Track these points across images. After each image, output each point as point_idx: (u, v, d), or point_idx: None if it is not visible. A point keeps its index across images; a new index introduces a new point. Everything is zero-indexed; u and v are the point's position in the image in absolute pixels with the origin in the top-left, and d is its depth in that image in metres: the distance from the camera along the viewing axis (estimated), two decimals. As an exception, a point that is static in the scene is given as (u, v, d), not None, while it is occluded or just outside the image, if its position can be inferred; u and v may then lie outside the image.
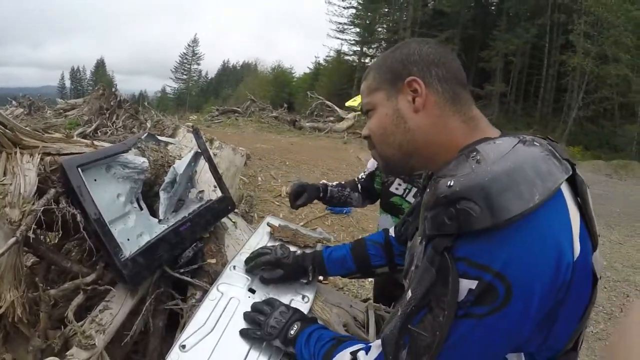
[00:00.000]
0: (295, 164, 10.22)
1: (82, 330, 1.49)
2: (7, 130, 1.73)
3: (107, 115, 10.80)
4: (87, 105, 11.60)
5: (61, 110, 12.33)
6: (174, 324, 1.80)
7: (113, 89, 11.87)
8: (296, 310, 1.49)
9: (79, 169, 1.61)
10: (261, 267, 1.73)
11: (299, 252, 1.79)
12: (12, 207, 1.55)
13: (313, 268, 1.74)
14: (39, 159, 1.73)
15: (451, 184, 0.86)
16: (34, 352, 1.52)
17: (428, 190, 0.99)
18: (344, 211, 7.75)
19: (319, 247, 1.88)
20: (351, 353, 1.14)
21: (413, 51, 1.10)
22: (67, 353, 1.44)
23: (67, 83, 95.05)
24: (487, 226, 0.80)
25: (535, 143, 0.91)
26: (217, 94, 72.28)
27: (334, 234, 6.69)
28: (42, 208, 1.57)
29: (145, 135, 1.97)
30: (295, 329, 1.38)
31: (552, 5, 31.51)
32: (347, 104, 2.24)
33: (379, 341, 1.05)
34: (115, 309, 1.62)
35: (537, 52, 34.57)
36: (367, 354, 1.09)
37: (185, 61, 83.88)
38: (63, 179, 1.64)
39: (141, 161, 1.84)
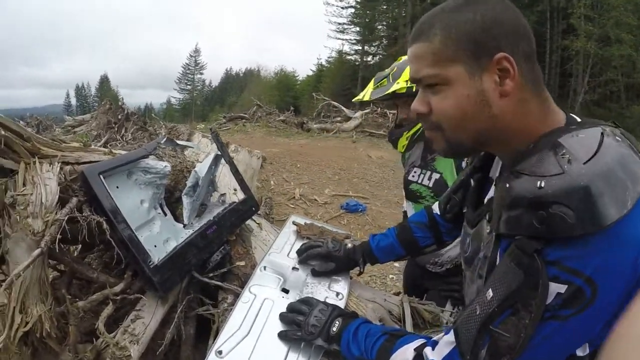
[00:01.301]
0: (306, 166, 10.20)
1: (115, 341, 1.45)
2: (24, 141, 1.70)
3: (116, 128, 10.88)
4: (95, 121, 11.70)
5: (69, 127, 12.44)
6: (203, 330, 1.77)
7: (120, 103, 11.90)
8: (335, 306, 1.45)
9: (101, 176, 1.57)
10: (313, 259, 1.74)
11: (349, 245, 1.79)
12: (35, 218, 1.50)
13: (363, 260, 1.76)
14: (58, 168, 1.69)
15: (542, 185, 0.81)
16: (64, 368, 1.48)
17: (506, 184, 0.89)
18: (359, 209, 7.72)
19: (348, 243, 1.84)
20: (415, 349, 1.08)
21: (499, 17, 0.92)
22: (101, 366, 1.41)
23: (73, 100, 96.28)
24: (582, 233, 0.77)
25: (617, 137, 0.85)
26: (222, 102, 72.57)
27: (351, 233, 6.64)
28: (66, 217, 1.53)
29: (165, 139, 1.93)
30: (337, 325, 1.34)
31: (551, -9, 31.39)
32: (356, 99, 2.19)
33: (447, 337, 1.00)
34: (147, 318, 1.58)
35: (538, 39, 34.21)
36: (433, 349, 1.03)
37: (188, 71, 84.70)
38: (85, 187, 1.60)
39: (163, 166, 1.80)
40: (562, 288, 0.79)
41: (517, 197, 0.84)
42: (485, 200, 1.14)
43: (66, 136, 11.42)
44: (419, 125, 2.06)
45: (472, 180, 1.30)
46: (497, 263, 0.94)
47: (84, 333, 1.63)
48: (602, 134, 0.84)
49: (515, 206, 0.85)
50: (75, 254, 1.85)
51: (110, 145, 9.86)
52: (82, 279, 1.82)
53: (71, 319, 1.56)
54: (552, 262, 0.80)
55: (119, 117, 11.19)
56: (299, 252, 1.79)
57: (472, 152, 1.13)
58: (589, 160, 0.79)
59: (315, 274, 1.73)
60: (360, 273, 1.82)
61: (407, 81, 1.99)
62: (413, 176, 2.27)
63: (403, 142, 2.18)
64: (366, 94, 2.16)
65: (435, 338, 1.08)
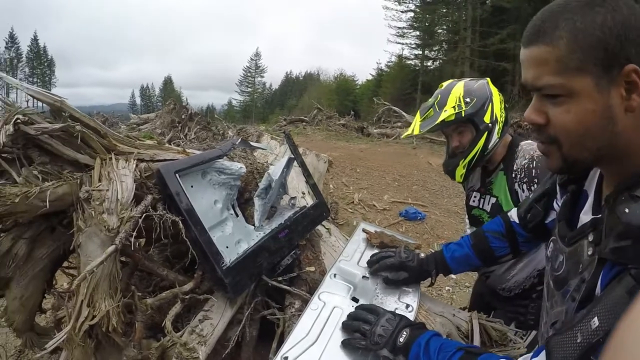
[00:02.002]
0: (366, 171, 10.13)
1: (184, 342, 1.44)
2: (101, 137, 1.73)
3: (180, 127, 11.11)
4: (159, 119, 12.01)
5: (134, 125, 12.80)
6: (264, 333, 1.76)
7: (184, 103, 12.17)
8: (403, 316, 1.39)
9: (177, 175, 1.57)
10: (385, 270, 1.70)
11: (422, 255, 1.75)
12: (110, 214, 1.53)
13: (436, 270, 1.71)
14: (134, 165, 1.71)
15: None
16: (128, 364, 1.49)
17: (624, 208, 0.80)
18: (419, 218, 7.60)
19: (420, 253, 1.79)
20: None
21: (629, 21, 0.80)
22: (167, 366, 1.41)
23: (138, 100, 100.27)
24: None
25: None
26: (282, 104, 73.54)
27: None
28: (142, 215, 1.54)
29: (239, 140, 1.93)
30: (404, 336, 1.28)
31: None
32: (403, 135, 2.07)
33: (537, 359, 0.92)
34: (216, 319, 1.57)
35: None
36: None
37: (249, 74, 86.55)
38: (160, 185, 1.62)
39: (238, 167, 1.81)
40: None
41: (635, 226, 0.76)
42: (582, 215, 1.05)
43: (131, 133, 11.81)
44: (475, 151, 1.98)
45: (558, 189, 1.23)
46: (597, 288, 0.86)
47: (146, 328, 1.65)
48: None
49: (633, 234, 0.77)
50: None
51: (173, 144, 10.12)
52: (144, 271, 1.84)
53: (138, 315, 1.57)
54: None
55: (183, 116, 11.44)
56: (369, 263, 1.75)
57: (586, 171, 1.03)
58: None
59: (388, 282, 1.69)
60: (432, 284, 1.77)
61: (453, 107, 1.93)
62: (474, 201, 2.25)
63: (460, 171, 2.08)
64: (415, 128, 2.06)
65: (520, 359, 1.01)
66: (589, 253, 0.91)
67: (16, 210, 1.46)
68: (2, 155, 1.59)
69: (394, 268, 1.69)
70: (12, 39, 70.81)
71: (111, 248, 1.42)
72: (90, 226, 1.50)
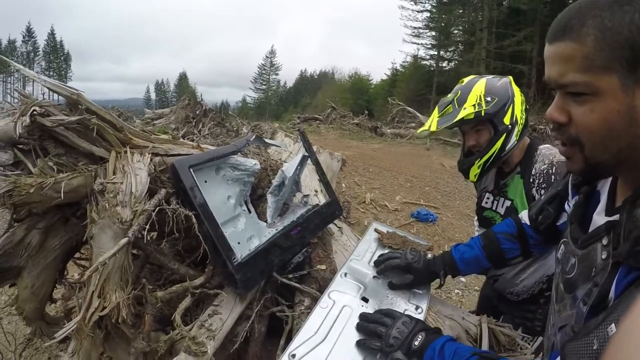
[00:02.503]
0: (378, 171, 10.13)
1: (192, 336, 1.45)
2: (116, 131, 1.74)
3: (194, 123, 11.17)
4: (173, 115, 12.06)
5: (149, 120, 12.86)
6: (272, 329, 1.77)
7: (199, 99, 12.24)
8: (419, 320, 1.39)
9: (191, 170, 1.58)
10: (391, 271, 1.70)
11: (429, 255, 1.73)
12: (124, 207, 1.54)
13: (444, 272, 1.69)
14: (149, 159, 1.72)
15: None
16: (135, 354, 1.50)
17: (638, 213, 0.79)
18: (430, 219, 7.58)
19: (428, 254, 1.78)
20: None
21: None
22: (175, 359, 1.41)
23: (152, 95, 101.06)
24: None
25: None
26: (296, 102, 73.60)
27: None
28: (155, 208, 1.55)
29: (254, 137, 1.94)
30: (419, 339, 1.27)
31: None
32: (419, 130, 2.01)
33: None
34: (225, 314, 1.58)
35: None
36: None
37: (263, 72, 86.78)
38: (174, 180, 1.63)
39: (252, 163, 1.81)
40: None
41: None
42: (595, 216, 1.04)
43: (146, 127, 11.91)
44: (491, 152, 1.94)
45: (570, 191, 1.22)
46: (610, 293, 0.84)
47: (155, 321, 1.66)
48: None
49: None
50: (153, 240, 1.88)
51: (187, 139, 10.16)
52: (154, 264, 1.86)
53: (148, 307, 1.58)
54: None
55: (197, 112, 11.50)
56: (376, 263, 1.75)
57: (607, 175, 1.01)
58: None
59: (392, 287, 1.68)
60: (441, 285, 1.75)
61: (474, 105, 1.87)
62: (486, 203, 2.22)
63: (475, 171, 2.03)
64: (432, 124, 1.99)
65: None
66: (603, 257, 0.89)
67: (31, 200, 1.48)
68: (18, 146, 1.61)
69: (400, 269, 1.69)
70: (29, 33, 71.65)
71: (124, 240, 1.43)
72: (103, 218, 1.51)
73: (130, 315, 1.50)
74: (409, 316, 1.41)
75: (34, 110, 1.53)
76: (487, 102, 1.87)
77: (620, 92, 0.80)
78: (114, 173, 1.64)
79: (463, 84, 1.99)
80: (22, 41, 70.46)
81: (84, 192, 1.60)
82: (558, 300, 1.08)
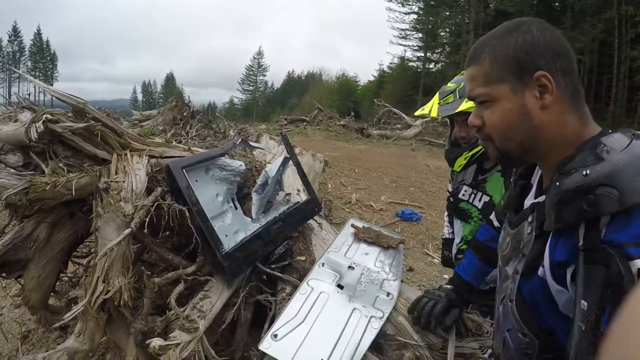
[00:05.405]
0: (364, 172, 10.16)
1: (185, 315, 1.64)
2: (117, 136, 1.93)
3: (181, 125, 11.22)
4: (161, 116, 12.05)
5: (136, 121, 12.82)
6: (258, 316, 1.92)
7: (186, 101, 12.27)
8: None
9: (184, 170, 1.76)
10: (440, 317, 1.73)
11: (448, 286, 1.81)
12: (126, 202, 1.75)
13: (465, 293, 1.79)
14: (146, 160, 1.91)
15: (587, 173, 0.92)
16: (135, 334, 1.70)
17: (556, 183, 0.99)
18: (414, 218, 7.72)
19: (401, 247, 1.93)
20: None
21: (537, 39, 1.04)
22: (170, 335, 1.60)
23: (139, 96, 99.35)
24: (628, 206, 0.86)
25: None
26: (284, 104, 72.88)
27: (405, 239, 6.64)
28: (153, 204, 1.75)
29: (240, 140, 2.12)
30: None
31: (619, -3, 29.50)
32: (417, 113, 2.15)
33: None
34: (214, 298, 1.77)
35: (606, 48, 32.07)
36: None
37: (251, 73, 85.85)
38: (169, 179, 1.81)
39: (238, 164, 1.99)
40: None
41: (567, 190, 0.95)
42: (525, 201, 1.25)
43: (133, 129, 11.92)
44: (480, 147, 2.01)
45: (514, 186, 1.37)
46: (545, 259, 1.04)
47: (152, 307, 1.84)
48: (632, 134, 0.95)
49: (565, 201, 0.96)
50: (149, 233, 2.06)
51: (175, 141, 10.21)
52: (149, 262, 2.05)
53: (146, 292, 1.78)
54: (624, 243, 0.85)
55: (185, 114, 11.57)
56: (416, 321, 1.77)
57: (520, 162, 1.22)
58: (624, 149, 0.91)
59: (447, 330, 1.78)
60: (412, 269, 1.84)
61: None
62: (464, 195, 2.27)
63: (461, 161, 2.11)
64: (433, 110, 2.10)
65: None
66: (528, 232, 1.12)
67: (45, 197, 1.67)
68: (30, 149, 1.80)
69: (446, 310, 1.73)
70: (15, 33, 70.58)
71: (127, 231, 1.63)
72: (108, 212, 1.70)
73: (131, 299, 1.69)
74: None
75: (46, 117, 1.72)
76: None
77: (511, 95, 1.07)
78: (116, 173, 1.83)
79: (465, 76, 2.11)
80: (8, 41, 69.02)
81: (90, 189, 1.79)
82: (500, 277, 1.28)
